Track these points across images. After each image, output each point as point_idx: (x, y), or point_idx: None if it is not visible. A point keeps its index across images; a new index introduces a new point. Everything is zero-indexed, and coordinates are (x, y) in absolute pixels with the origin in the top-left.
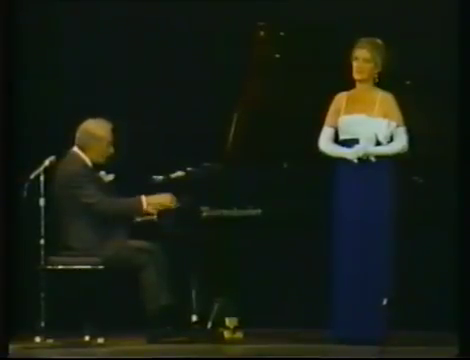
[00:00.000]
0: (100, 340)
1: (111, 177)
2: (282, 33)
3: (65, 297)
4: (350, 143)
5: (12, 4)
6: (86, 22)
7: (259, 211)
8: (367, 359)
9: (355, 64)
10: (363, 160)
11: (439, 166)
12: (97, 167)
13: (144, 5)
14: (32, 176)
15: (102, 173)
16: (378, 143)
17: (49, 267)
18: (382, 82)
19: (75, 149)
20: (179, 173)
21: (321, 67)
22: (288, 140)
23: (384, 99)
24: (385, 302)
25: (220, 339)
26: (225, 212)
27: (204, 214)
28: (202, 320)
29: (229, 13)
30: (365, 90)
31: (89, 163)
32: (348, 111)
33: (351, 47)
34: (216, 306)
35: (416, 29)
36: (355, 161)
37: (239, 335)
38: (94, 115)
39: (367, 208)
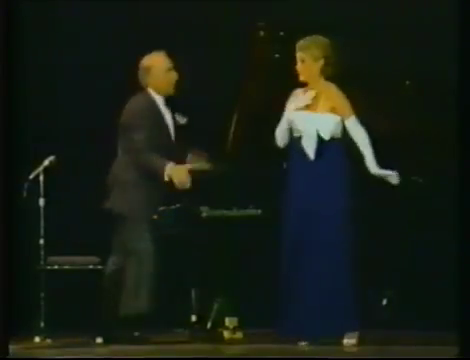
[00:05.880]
0: (99, 340)
1: (184, 121)
2: (282, 33)
3: (65, 297)
4: (297, 141)
5: (12, 4)
6: (86, 22)
7: (259, 211)
8: (367, 359)
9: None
10: (318, 155)
11: (439, 166)
12: (170, 103)
13: (144, 5)
14: (32, 176)
15: (176, 115)
16: (321, 140)
17: (49, 267)
18: (379, 82)
19: (145, 89)
20: None
21: None
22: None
23: (327, 92)
24: (385, 302)
25: (220, 339)
26: (225, 212)
27: (204, 214)
28: (202, 320)
29: (229, 13)
30: (312, 87)
31: (156, 98)
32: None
33: None
34: (216, 306)
35: (416, 29)
36: (311, 158)
37: (239, 335)
38: (94, 115)
39: (321, 205)
